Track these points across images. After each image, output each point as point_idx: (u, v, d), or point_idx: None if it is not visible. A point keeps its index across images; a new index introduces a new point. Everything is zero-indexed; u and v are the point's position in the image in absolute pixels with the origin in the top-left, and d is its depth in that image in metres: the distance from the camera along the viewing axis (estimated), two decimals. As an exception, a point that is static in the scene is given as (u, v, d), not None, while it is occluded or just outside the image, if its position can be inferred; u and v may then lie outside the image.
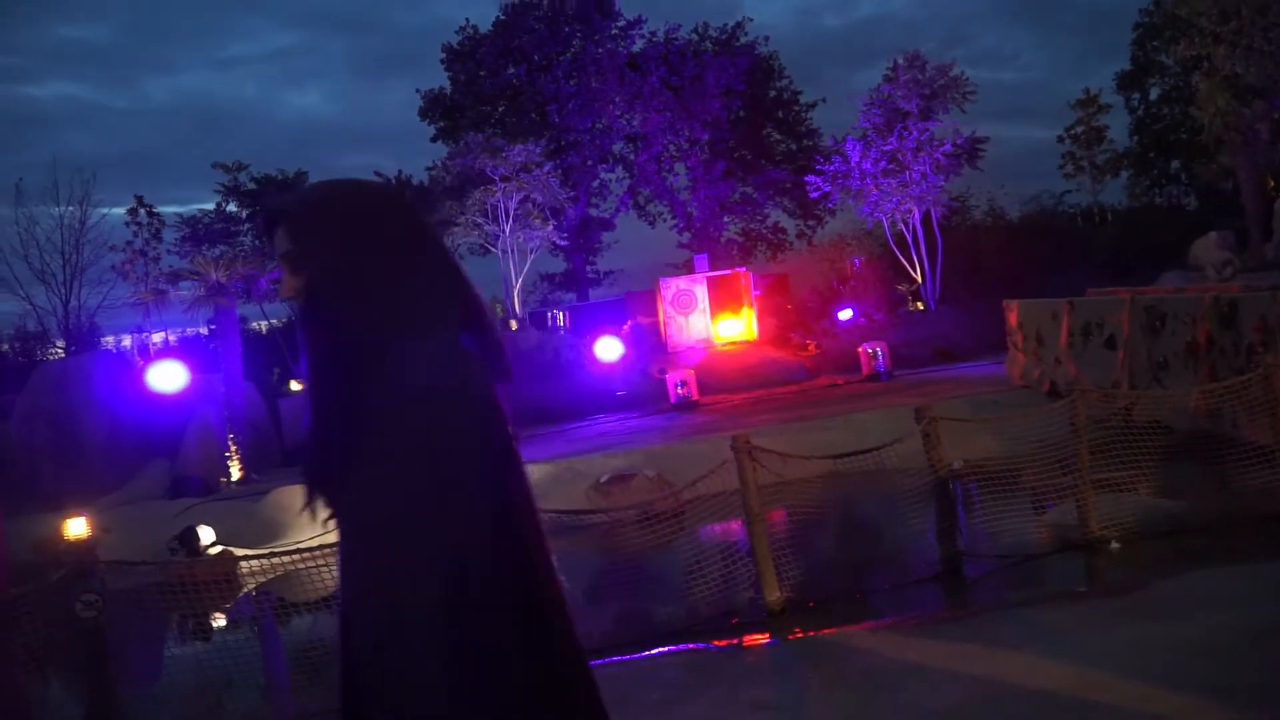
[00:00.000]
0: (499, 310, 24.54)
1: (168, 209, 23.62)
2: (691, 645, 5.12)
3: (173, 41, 69.48)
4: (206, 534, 10.46)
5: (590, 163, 29.59)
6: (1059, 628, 4.26)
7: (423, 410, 1.79)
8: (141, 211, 22.65)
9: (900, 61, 21.97)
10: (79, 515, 10.73)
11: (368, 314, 1.85)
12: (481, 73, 29.80)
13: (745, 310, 22.21)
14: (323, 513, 1.91)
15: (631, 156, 30.38)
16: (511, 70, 29.75)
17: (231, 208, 22.92)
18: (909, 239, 22.18)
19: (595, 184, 30.57)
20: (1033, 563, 6.67)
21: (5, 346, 23.05)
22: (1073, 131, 28.42)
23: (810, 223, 30.53)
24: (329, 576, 6.28)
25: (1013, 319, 13.63)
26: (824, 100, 31.24)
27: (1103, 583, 6.29)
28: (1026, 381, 12.92)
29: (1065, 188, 28.70)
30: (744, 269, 23.49)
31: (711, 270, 22.89)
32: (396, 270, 1.87)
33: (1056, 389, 11.47)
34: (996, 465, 7.35)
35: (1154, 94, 28.74)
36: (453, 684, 1.75)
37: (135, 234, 22.40)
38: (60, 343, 22.87)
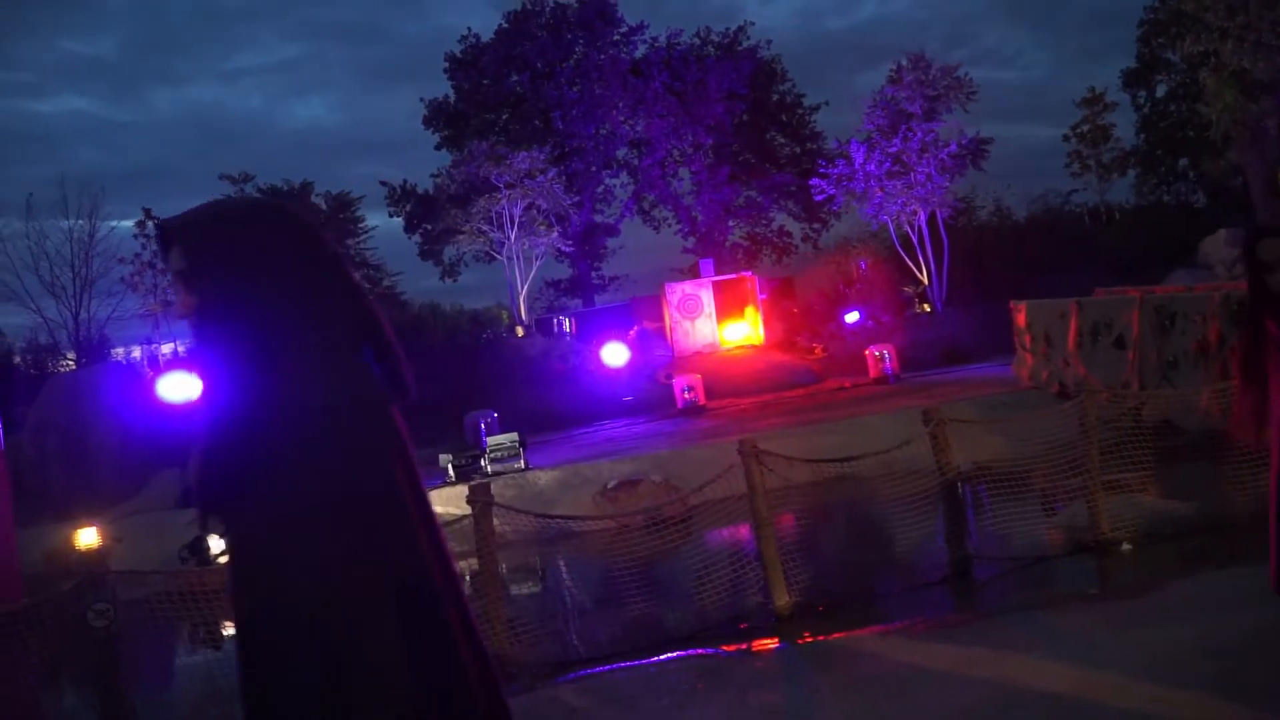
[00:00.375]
0: (505, 317, 24.59)
1: (175, 220, 23.69)
2: (699, 650, 5.11)
3: (177, 54, 69.85)
4: (216, 543, 10.49)
5: (594, 169, 29.63)
6: (1070, 630, 4.23)
7: (314, 427, 1.79)
8: (149, 224, 22.75)
9: (904, 63, 21.96)
10: (90, 525, 10.78)
11: (261, 331, 1.83)
12: (485, 81, 29.87)
13: (751, 314, 22.20)
14: (216, 533, 1.90)
15: (635, 162, 30.41)
16: (514, 78, 29.82)
17: (238, 218, 22.99)
18: (915, 241, 22.14)
19: (599, 190, 30.60)
20: (1043, 565, 6.63)
21: (17, 359, 23.18)
22: (1079, 130, 28.33)
23: (815, 226, 30.52)
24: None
25: (1020, 320, 13.59)
26: (827, 103, 31.30)
27: (1114, 585, 6.25)
28: (1035, 382, 12.88)
29: (1072, 187, 28.64)
30: (749, 273, 23.50)
31: (717, 275, 22.89)
32: (291, 288, 1.86)
33: (1065, 390, 11.43)
34: (1005, 467, 7.32)
35: (1161, 91, 28.62)
36: (338, 701, 1.72)
37: (144, 246, 22.48)
38: (71, 355, 22.98)
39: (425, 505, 1.95)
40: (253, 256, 1.85)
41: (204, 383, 1.90)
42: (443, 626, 1.86)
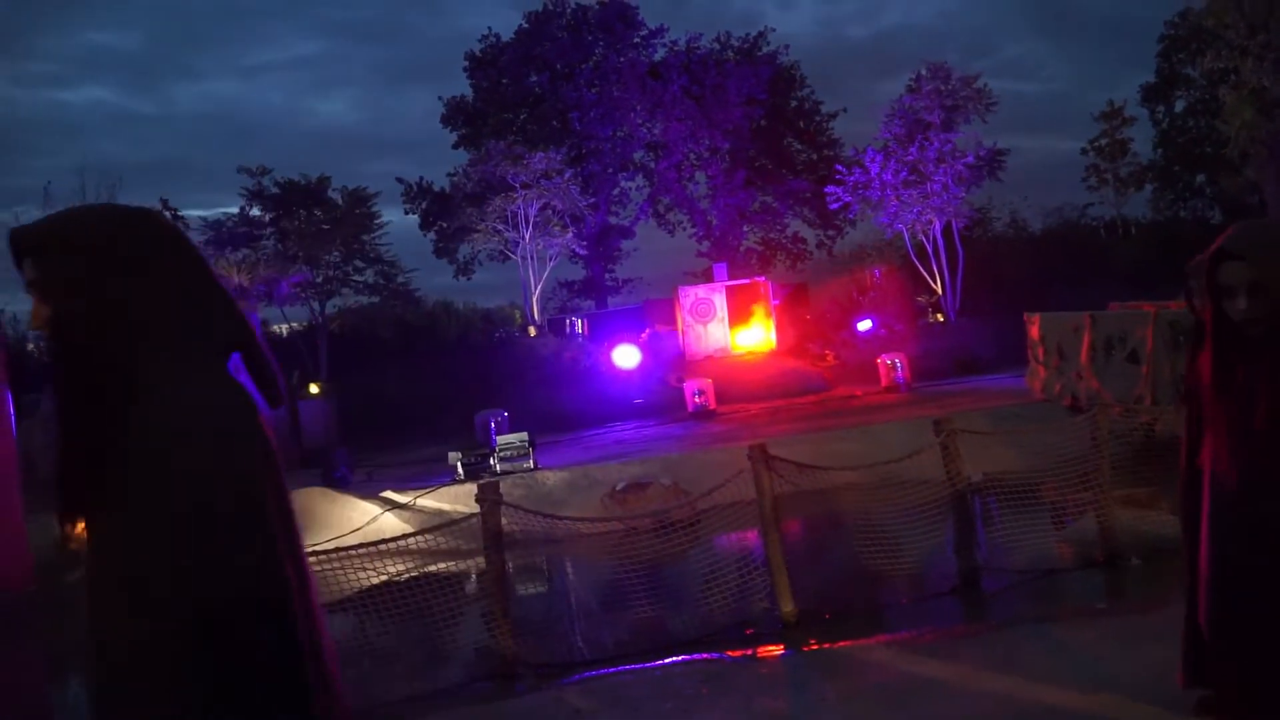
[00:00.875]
0: (517, 317, 24.62)
1: (192, 213, 23.86)
2: (705, 655, 5.09)
3: (200, 49, 70.34)
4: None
5: (610, 170, 29.65)
6: (1078, 645, 4.21)
7: (175, 444, 1.73)
8: (167, 215, 22.91)
9: (924, 72, 21.92)
10: (100, 514, 10.83)
11: (119, 344, 1.77)
12: (504, 80, 29.94)
13: (764, 320, 22.17)
14: (79, 554, 1.82)
15: (652, 165, 30.43)
16: (533, 78, 29.88)
17: (255, 212, 23.14)
18: (929, 250, 22.09)
19: (615, 192, 30.63)
20: (1052, 578, 6.60)
21: (30, 345, 23.35)
22: (1097, 144, 28.20)
23: (830, 233, 30.47)
24: (344, 579, 6.30)
25: (1034, 332, 13.53)
26: (845, 110, 31.22)
27: (1123, 600, 6.22)
28: (1047, 395, 12.82)
29: (1088, 200, 28.51)
30: (763, 278, 23.47)
31: (730, 279, 22.88)
32: (151, 298, 1.79)
33: (1078, 403, 11.38)
34: (1016, 479, 7.29)
35: (1179, 106, 28.51)
36: None
37: (159, 238, 22.60)
38: (84, 343, 23.09)
39: (289, 517, 1.90)
40: (110, 265, 1.78)
41: (58, 398, 1.81)
42: (293, 649, 1.81)
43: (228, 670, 1.72)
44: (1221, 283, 2.57)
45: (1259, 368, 2.57)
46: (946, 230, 21.83)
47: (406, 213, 29.13)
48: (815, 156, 30.76)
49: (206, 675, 1.70)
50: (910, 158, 21.37)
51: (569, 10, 29.93)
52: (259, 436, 1.84)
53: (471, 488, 7.64)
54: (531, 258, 23.07)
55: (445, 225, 26.85)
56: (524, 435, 12.53)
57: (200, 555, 1.72)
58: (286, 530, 1.87)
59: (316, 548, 6.89)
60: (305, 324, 22.74)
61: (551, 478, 11.78)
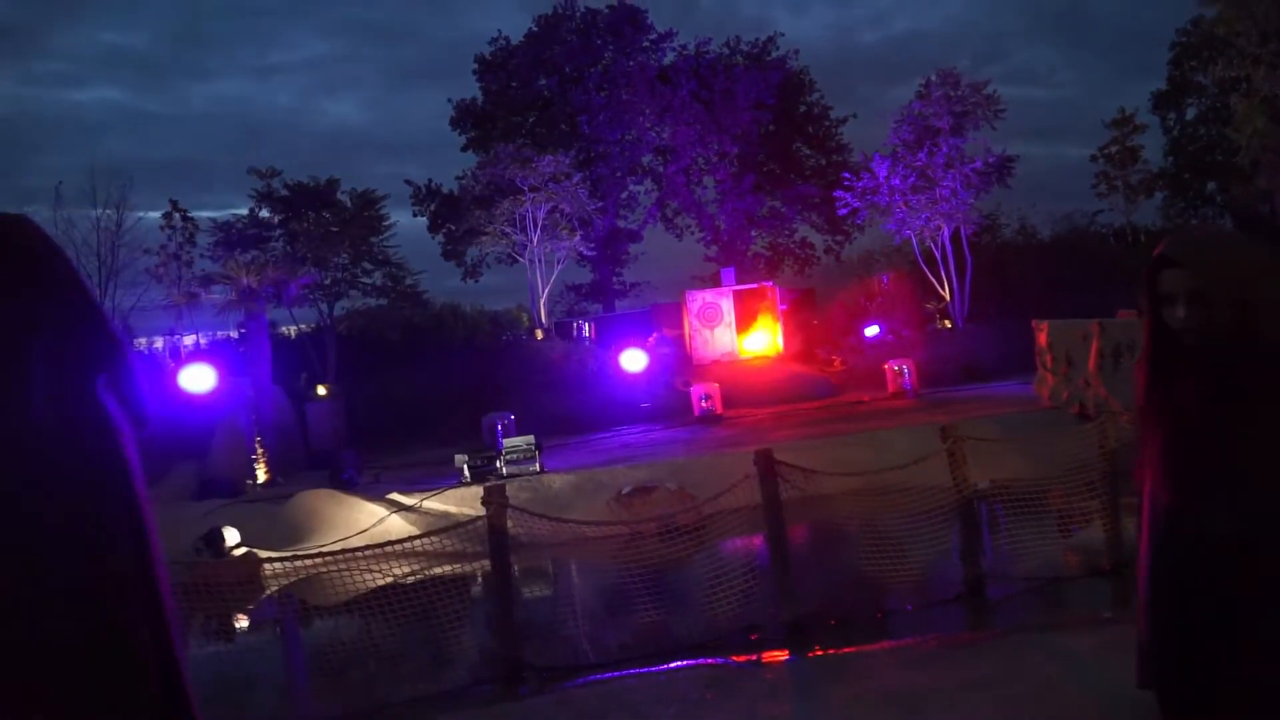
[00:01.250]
0: (525, 320, 24.63)
1: (202, 213, 23.91)
2: (709, 660, 5.10)
3: (211, 49, 70.53)
4: (232, 535, 10.57)
5: (619, 174, 29.68)
6: (1083, 653, 4.20)
7: (23, 461, 1.68)
8: (176, 215, 22.95)
9: (933, 78, 21.90)
10: (108, 513, 10.86)
11: None
12: (513, 83, 30.01)
13: (771, 324, 22.16)
14: None
15: (660, 169, 30.45)
16: (542, 81, 29.95)
17: (264, 213, 23.20)
18: (938, 256, 22.05)
19: (623, 195, 30.65)
20: (1058, 586, 6.59)
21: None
22: (1107, 151, 28.09)
23: (838, 238, 30.43)
24: (351, 580, 6.31)
25: (1042, 339, 13.51)
26: (855, 115, 31.18)
27: (1129, 608, 6.19)
28: (1055, 402, 12.79)
29: (1098, 207, 28.39)
30: (771, 283, 23.46)
31: (738, 284, 22.88)
32: (9, 314, 1.74)
33: (1086, 411, 11.35)
34: (1023, 486, 7.28)
35: (1190, 114, 28.41)
36: None
37: (170, 238, 22.67)
38: (94, 343, 23.11)
39: (144, 537, 1.82)
40: None
41: None
42: (138, 676, 1.75)
43: (60, 699, 1.67)
44: (1161, 291, 2.51)
45: (1196, 378, 2.50)
46: (955, 236, 21.79)
47: (415, 215, 29.21)
48: (824, 162, 30.73)
49: (37, 705, 1.66)
50: (919, 163, 21.35)
51: (578, 14, 30.00)
52: (112, 456, 1.79)
53: (478, 490, 7.66)
54: (539, 261, 23.10)
55: (453, 228, 26.91)
56: (530, 438, 12.54)
57: (28, 574, 1.67)
58: (140, 550, 1.80)
59: (324, 549, 6.93)
60: (313, 326, 22.79)
61: (557, 481, 11.79)
